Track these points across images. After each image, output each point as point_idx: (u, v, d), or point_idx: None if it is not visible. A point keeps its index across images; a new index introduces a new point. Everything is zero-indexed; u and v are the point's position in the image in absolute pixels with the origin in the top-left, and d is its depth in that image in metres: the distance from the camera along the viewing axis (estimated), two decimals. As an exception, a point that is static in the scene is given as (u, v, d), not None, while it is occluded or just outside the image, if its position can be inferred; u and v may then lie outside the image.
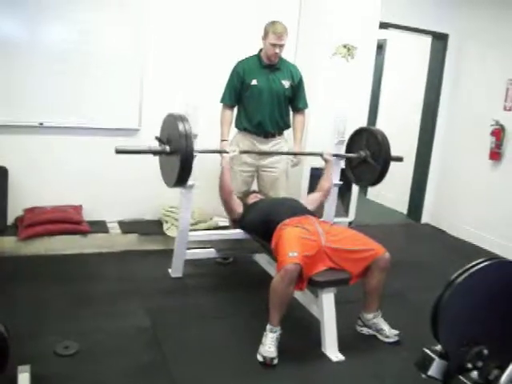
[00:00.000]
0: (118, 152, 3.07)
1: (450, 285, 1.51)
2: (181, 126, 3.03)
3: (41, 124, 4.19)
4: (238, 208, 3.69)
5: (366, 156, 3.88)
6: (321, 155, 3.85)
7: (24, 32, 4.12)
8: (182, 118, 3.09)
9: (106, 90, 4.35)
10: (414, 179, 6.18)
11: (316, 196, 3.82)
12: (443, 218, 5.85)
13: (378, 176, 3.86)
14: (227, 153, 3.60)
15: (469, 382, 1.47)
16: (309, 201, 3.75)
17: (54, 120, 4.23)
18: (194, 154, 3.13)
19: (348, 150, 4.03)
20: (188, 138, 3.02)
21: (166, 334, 3.05)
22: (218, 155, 3.76)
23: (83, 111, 4.32)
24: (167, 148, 3.16)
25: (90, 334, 2.95)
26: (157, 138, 3.25)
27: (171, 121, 3.15)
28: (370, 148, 3.87)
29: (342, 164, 4.11)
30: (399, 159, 3.94)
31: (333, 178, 3.97)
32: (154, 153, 3.26)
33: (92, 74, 4.29)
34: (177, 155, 3.05)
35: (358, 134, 3.99)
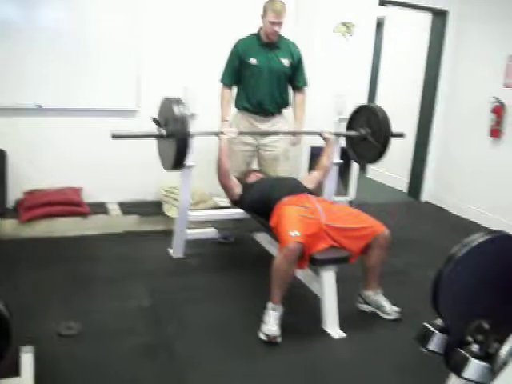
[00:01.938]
0: (115, 137, 3.08)
1: (449, 260, 1.52)
2: (176, 110, 3.03)
3: (38, 106, 4.17)
4: (236, 188, 3.68)
5: (367, 134, 3.85)
6: (320, 134, 3.83)
7: (22, 15, 4.10)
8: (178, 102, 3.08)
9: (104, 71, 4.34)
10: (414, 157, 6.17)
11: (315, 175, 3.81)
12: (443, 195, 5.85)
13: (379, 153, 3.84)
14: (224, 134, 3.59)
15: (469, 355, 1.47)
16: (308, 179, 3.75)
17: (51, 102, 4.22)
18: (191, 136, 3.12)
19: (348, 128, 4.00)
20: (184, 121, 3.02)
21: (168, 313, 3.07)
22: (215, 138, 3.74)
23: (81, 93, 4.30)
24: (164, 132, 3.16)
25: (92, 314, 2.97)
26: (153, 119, 3.23)
27: (167, 104, 3.14)
28: (371, 125, 3.84)
29: (342, 143, 4.09)
30: (400, 135, 3.91)
31: (333, 156, 3.96)
32: (151, 137, 3.26)
33: (90, 55, 4.27)
34: (173, 139, 3.05)
35: (358, 111, 3.95)
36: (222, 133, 3.58)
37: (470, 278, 1.53)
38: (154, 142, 3.40)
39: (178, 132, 3.02)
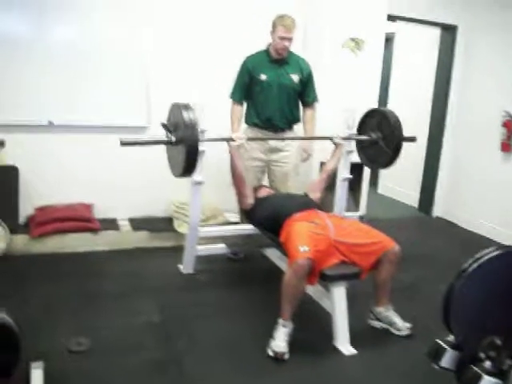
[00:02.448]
0: (124, 144, 3.06)
1: (460, 275, 1.50)
2: (186, 115, 3.02)
3: (50, 123, 4.21)
4: (250, 198, 3.67)
5: (378, 138, 3.80)
6: (331, 139, 3.80)
7: (33, 32, 4.14)
8: (187, 107, 3.07)
9: (115, 88, 4.37)
10: (425, 172, 6.14)
11: (318, 181, 3.81)
12: (455, 211, 5.81)
13: (391, 158, 3.77)
14: (234, 141, 3.57)
15: (482, 372, 1.45)
16: (312, 189, 3.74)
17: (63, 118, 4.25)
18: (201, 144, 3.12)
19: (359, 132, 3.96)
20: (193, 127, 3.01)
21: (178, 329, 3.05)
22: (226, 153, 3.74)
23: (92, 109, 4.33)
24: (173, 138, 3.15)
25: (102, 330, 2.96)
26: (163, 124, 3.23)
27: (176, 110, 3.14)
28: (382, 129, 3.78)
29: (353, 158, 4.08)
30: (412, 139, 3.83)
31: (343, 170, 3.95)
32: (160, 143, 3.25)
33: (100, 71, 4.31)
34: (182, 145, 3.04)
35: (369, 115, 3.92)
36: (232, 139, 3.58)
37: (481, 293, 1.52)
38: (164, 157, 3.41)
39: (187, 138, 3.00)
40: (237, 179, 3.63)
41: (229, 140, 3.56)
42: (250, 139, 3.80)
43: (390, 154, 3.74)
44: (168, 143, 3.21)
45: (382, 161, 3.86)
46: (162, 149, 3.36)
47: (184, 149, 3.02)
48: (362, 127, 3.95)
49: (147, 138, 3.32)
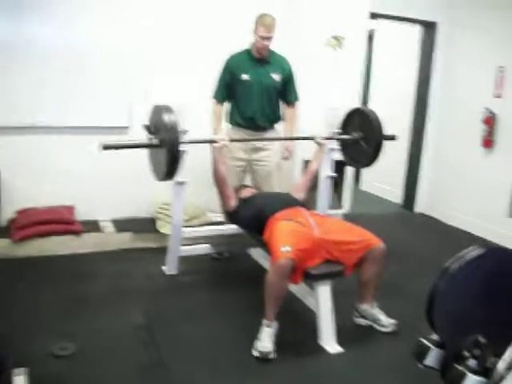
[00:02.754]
0: (106, 148, 3.03)
1: (443, 274, 1.51)
2: (167, 118, 2.99)
3: (31, 124, 4.17)
4: (233, 200, 3.66)
5: (359, 137, 3.79)
6: (313, 139, 3.81)
7: (15, 34, 4.10)
8: (168, 109, 3.05)
9: (95, 88, 4.34)
10: (408, 169, 6.18)
11: (302, 181, 3.81)
12: (437, 207, 5.86)
13: (372, 156, 3.78)
14: (216, 142, 3.55)
15: (466, 371, 1.46)
16: (296, 189, 3.74)
17: (44, 120, 4.21)
18: (182, 146, 3.10)
19: (342, 131, 3.95)
20: (174, 129, 2.98)
21: (163, 332, 3.04)
22: (209, 152, 3.73)
23: (73, 110, 4.30)
24: (154, 141, 3.12)
25: (86, 334, 2.93)
26: (145, 126, 3.20)
27: (158, 112, 3.11)
28: (363, 129, 3.79)
29: (336, 156, 4.09)
30: (392, 138, 3.86)
31: (325, 168, 3.95)
32: (142, 147, 3.23)
33: (80, 72, 4.28)
34: (164, 147, 3.02)
35: (351, 115, 3.93)
36: (214, 141, 3.56)
37: (464, 291, 1.53)
38: (146, 158, 3.38)
39: (169, 140, 2.98)
40: (219, 181, 3.61)
41: (211, 142, 3.55)
42: (232, 140, 3.79)
43: (372, 152, 3.75)
44: (149, 146, 3.18)
45: (364, 160, 3.88)
46: (143, 149, 3.33)
47: (166, 153, 2.99)
48: (345, 126, 3.95)
49: (129, 141, 3.28)
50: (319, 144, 3.80)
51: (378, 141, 3.70)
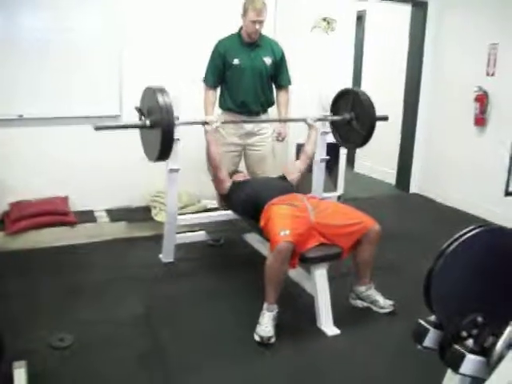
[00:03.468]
0: (97, 129, 3.02)
1: (440, 255, 1.50)
2: (160, 99, 2.97)
3: (20, 116, 4.13)
4: (227, 179, 3.65)
5: (351, 117, 3.79)
6: (305, 120, 3.79)
7: (2, 25, 4.04)
8: (162, 91, 3.02)
9: (84, 77, 4.29)
10: (401, 149, 6.17)
11: (297, 164, 3.81)
12: (431, 186, 5.86)
13: (365, 137, 3.78)
14: (208, 124, 3.54)
15: (465, 351, 1.46)
16: (290, 171, 3.73)
17: (33, 111, 4.18)
18: (175, 129, 3.08)
19: (333, 113, 3.96)
20: (168, 110, 2.96)
21: (161, 320, 3.04)
22: (203, 139, 3.69)
23: (62, 101, 4.26)
24: (147, 122, 3.10)
25: (84, 324, 2.93)
26: (136, 108, 3.17)
27: (150, 94, 3.08)
28: (355, 110, 3.78)
29: (329, 139, 4.08)
30: (384, 118, 3.85)
31: (319, 151, 3.95)
32: (134, 127, 3.20)
33: (69, 62, 4.23)
34: (157, 128, 3.00)
35: (342, 95, 3.91)
36: (206, 122, 3.54)
37: (462, 272, 1.52)
38: (139, 147, 3.35)
39: (162, 121, 2.96)
40: (213, 164, 3.61)
41: (204, 123, 3.53)
42: (224, 122, 3.77)
43: (364, 133, 3.74)
44: (142, 127, 3.16)
45: (356, 140, 3.88)
46: (136, 137, 3.31)
47: (159, 132, 2.97)
48: (335, 108, 3.94)
49: (121, 122, 3.26)
50: (311, 126, 3.79)
51: (370, 120, 3.69)
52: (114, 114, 4.40)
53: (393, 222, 4.62)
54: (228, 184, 3.64)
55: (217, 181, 3.68)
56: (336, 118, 3.90)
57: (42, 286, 3.41)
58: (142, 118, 3.14)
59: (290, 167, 3.77)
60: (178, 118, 3.26)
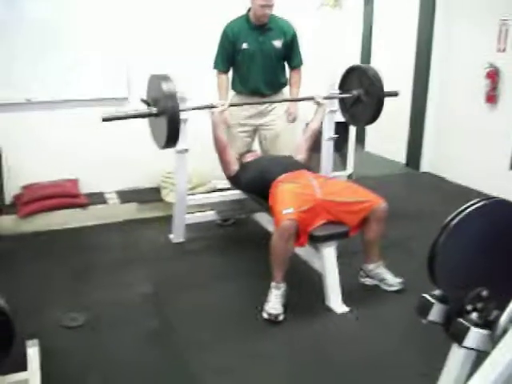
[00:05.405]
0: (105, 120, 3.03)
1: (445, 228, 1.50)
2: (164, 86, 2.97)
3: (28, 100, 4.15)
4: (234, 165, 3.65)
5: (360, 94, 3.76)
6: (313, 99, 3.78)
7: (7, 9, 4.02)
8: (166, 78, 3.03)
9: (91, 60, 4.28)
10: (411, 128, 6.11)
11: (301, 142, 3.80)
12: (442, 165, 5.81)
13: (374, 113, 3.75)
14: (216, 107, 3.52)
15: (469, 324, 1.46)
16: (298, 148, 3.73)
17: (41, 95, 4.19)
18: (182, 113, 3.09)
19: (340, 90, 3.92)
20: (173, 97, 2.97)
21: (171, 299, 3.08)
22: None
23: (70, 84, 4.26)
24: (154, 110, 3.11)
25: (95, 304, 2.98)
26: (142, 100, 3.19)
27: (155, 82, 3.09)
28: (363, 86, 3.74)
29: (337, 118, 4.05)
30: (394, 94, 3.82)
31: (327, 129, 3.92)
32: (141, 116, 3.21)
33: (76, 45, 4.23)
34: (164, 116, 3.01)
35: (350, 72, 3.87)
36: (213, 106, 3.53)
37: (466, 245, 1.52)
38: (148, 128, 3.37)
39: (168, 108, 2.97)
40: (218, 146, 3.60)
41: (210, 107, 3.52)
42: (232, 105, 3.75)
43: (373, 109, 3.71)
44: (150, 115, 3.17)
45: (366, 117, 3.84)
46: (144, 120, 3.32)
47: (165, 120, 2.98)
48: (344, 85, 3.91)
49: (129, 111, 3.26)
50: (319, 104, 3.77)
51: (378, 96, 3.66)
52: (122, 96, 4.41)
53: (403, 201, 4.61)
54: (235, 166, 3.64)
55: (223, 163, 3.68)
56: (345, 95, 3.86)
57: (54, 267, 3.46)
58: (149, 106, 3.15)
59: (298, 148, 3.76)
60: (185, 101, 3.26)
